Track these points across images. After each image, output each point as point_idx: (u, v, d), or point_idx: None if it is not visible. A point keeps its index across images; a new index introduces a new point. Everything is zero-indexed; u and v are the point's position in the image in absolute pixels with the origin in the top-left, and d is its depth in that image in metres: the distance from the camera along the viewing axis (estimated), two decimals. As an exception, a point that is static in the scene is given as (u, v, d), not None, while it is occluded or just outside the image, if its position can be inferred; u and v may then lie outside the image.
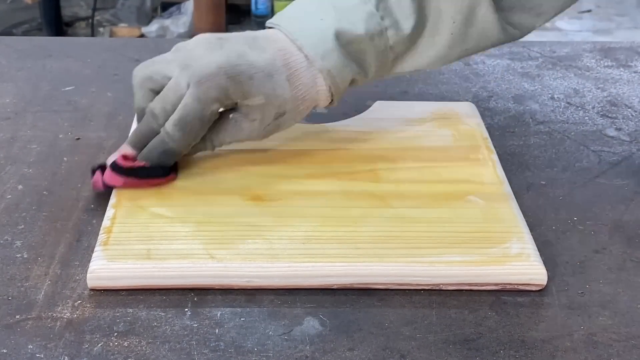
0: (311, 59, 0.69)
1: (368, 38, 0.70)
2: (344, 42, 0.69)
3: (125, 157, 0.70)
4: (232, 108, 0.70)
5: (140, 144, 0.70)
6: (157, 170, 0.70)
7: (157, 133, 0.69)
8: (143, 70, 0.70)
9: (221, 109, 0.70)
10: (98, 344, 0.57)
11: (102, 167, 0.71)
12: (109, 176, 0.70)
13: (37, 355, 0.56)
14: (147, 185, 0.70)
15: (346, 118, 0.84)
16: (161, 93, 0.69)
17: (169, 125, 0.68)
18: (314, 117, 0.88)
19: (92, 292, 0.62)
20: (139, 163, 0.70)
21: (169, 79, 0.69)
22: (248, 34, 0.71)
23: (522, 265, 0.63)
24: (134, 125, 0.76)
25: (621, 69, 1.02)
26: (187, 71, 0.67)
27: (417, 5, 0.70)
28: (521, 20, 0.75)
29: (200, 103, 0.67)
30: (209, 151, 0.73)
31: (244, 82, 0.68)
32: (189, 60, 0.68)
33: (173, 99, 0.68)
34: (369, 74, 0.73)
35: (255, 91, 0.68)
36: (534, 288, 0.63)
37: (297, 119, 0.73)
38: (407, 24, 0.70)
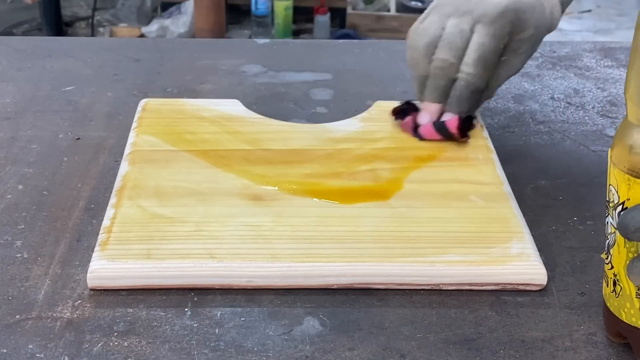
0: None
1: None
2: None
3: (450, 121, 0.77)
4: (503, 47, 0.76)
5: (444, 96, 0.77)
6: (466, 122, 0.78)
7: (452, 80, 0.76)
8: (422, 40, 0.76)
9: None
10: (98, 344, 0.57)
11: (404, 112, 0.80)
12: (429, 133, 0.78)
13: (37, 355, 0.56)
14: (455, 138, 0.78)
15: (346, 118, 0.84)
16: (444, 42, 0.76)
17: (468, 67, 0.75)
18: (314, 117, 0.88)
19: (92, 292, 0.62)
20: (453, 121, 0.77)
21: (443, 29, 0.76)
22: None
23: (522, 265, 0.63)
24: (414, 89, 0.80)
25: (621, 69, 1.02)
26: (469, 16, 0.75)
27: None
28: None
29: (496, 39, 0.75)
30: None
31: (521, 16, 0.75)
32: (466, 7, 0.76)
33: (461, 44, 0.75)
34: None
35: (528, 24, 0.75)
36: (534, 288, 0.63)
37: (538, 46, 0.79)
38: None
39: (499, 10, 0.74)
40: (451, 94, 0.77)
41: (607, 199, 0.55)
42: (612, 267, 0.55)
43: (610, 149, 0.54)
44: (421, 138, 0.79)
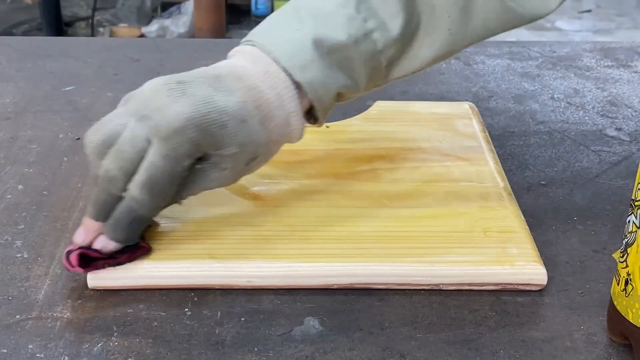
0: (289, 71, 0.62)
1: (352, 43, 0.64)
2: (326, 51, 0.63)
3: (88, 249, 0.61)
4: (200, 157, 0.61)
5: (103, 214, 0.61)
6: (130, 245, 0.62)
7: (118, 198, 0.60)
8: (95, 136, 0.60)
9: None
10: (98, 344, 0.57)
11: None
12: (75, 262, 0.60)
13: (37, 355, 0.56)
14: (122, 262, 0.62)
15: (346, 118, 0.84)
16: (114, 150, 0.59)
17: (135, 189, 0.59)
18: (314, 117, 0.88)
19: (92, 292, 0.62)
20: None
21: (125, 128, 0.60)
22: (209, 72, 0.63)
23: (522, 265, 0.63)
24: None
25: (621, 69, 1.02)
26: (146, 123, 0.59)
27: (404, 3, 0.65)
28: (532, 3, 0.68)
29: (170, 161, 0.59)
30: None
31: (216, 133, 0.60)
32: (146, 111, 0.59)
33: (132, 156, 0.59)
34: (360, 84, 0.66)
35: (228, 141, 0.60)
36: (534, 288, 0.63)
37: (267, 160, 0.66)
38: (394, 24, 0.65)
39: (175, 127, 0.58)
40: (111, 215, 0.61)
41: (633, 198, 0.54)
42: (627, 266, 0.55)
43: None
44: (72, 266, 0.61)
